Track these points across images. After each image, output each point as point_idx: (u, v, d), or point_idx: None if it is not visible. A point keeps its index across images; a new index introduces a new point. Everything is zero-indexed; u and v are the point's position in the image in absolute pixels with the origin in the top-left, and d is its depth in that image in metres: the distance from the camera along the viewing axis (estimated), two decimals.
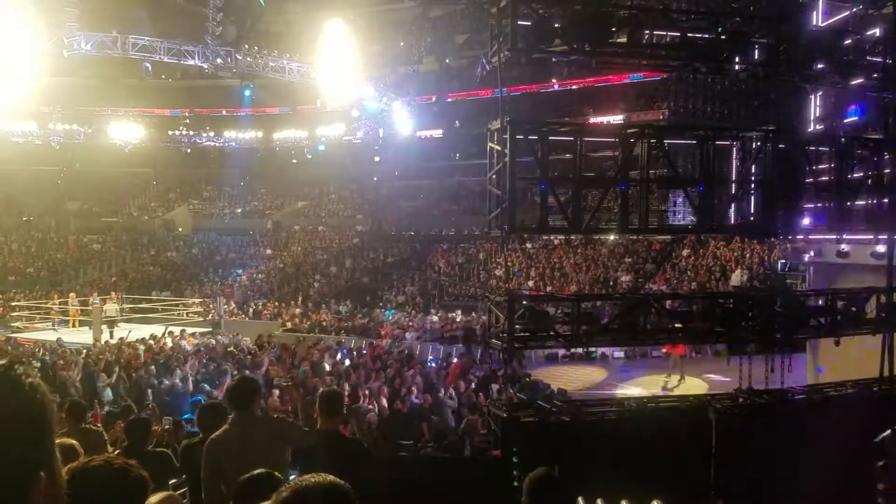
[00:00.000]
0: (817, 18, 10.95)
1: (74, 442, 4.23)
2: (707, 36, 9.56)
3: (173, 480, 6.09)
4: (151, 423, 6.92)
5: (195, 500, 5.16)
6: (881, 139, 10.54)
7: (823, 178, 10.30)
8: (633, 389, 17.92)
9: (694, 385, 17.51)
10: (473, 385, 15.42)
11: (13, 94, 25.30)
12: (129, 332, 22.62)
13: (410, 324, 25.45)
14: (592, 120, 36.18)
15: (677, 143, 10.30)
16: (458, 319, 25.95)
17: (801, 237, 13.36)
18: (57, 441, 3.86)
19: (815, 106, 11.70)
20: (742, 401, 9.42)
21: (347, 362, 17.24)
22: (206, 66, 29.53)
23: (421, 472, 9.02)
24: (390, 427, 11.83)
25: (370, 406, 12.40)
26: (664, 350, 18.22)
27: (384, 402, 13.02)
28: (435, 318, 26.53)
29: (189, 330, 24.10)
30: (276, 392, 12.29)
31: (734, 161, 10.25)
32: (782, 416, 9.33)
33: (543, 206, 9.11)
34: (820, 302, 10.41)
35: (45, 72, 27.14)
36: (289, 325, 26.79)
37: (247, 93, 38.71)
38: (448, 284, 33.17)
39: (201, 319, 28.35)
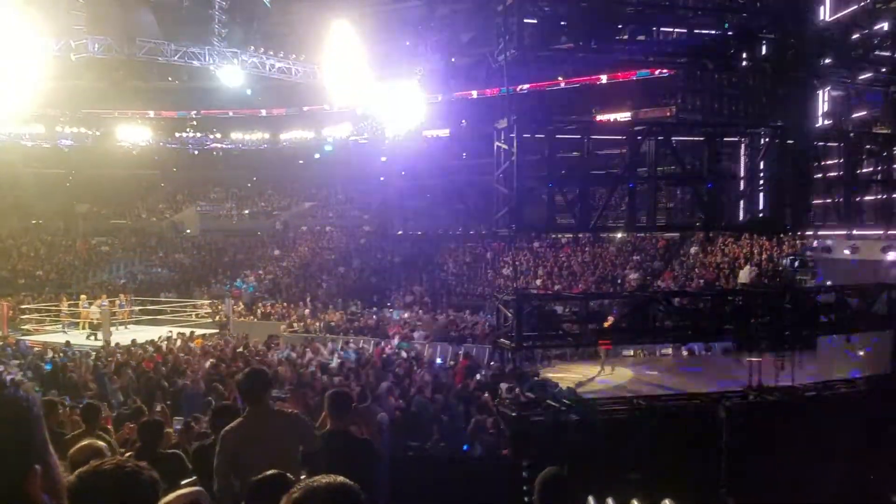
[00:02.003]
0: (824, 13, 10.90)
1: (102, 444, 4.22)
2: (714, 32, 9.53)
3: (185, 481, 6.11)
4: (164, 424, 6.93)
5: None
6: (890, 134, 10.49)
7: (832, 174, 10.27)
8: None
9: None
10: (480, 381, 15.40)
11: (24, 98, 25.37)
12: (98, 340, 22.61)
13: (419, 323, 25.43)
14: (599, 118, 36.04)
15: (685, 141, 10.28)
16: (466, 318, 25.91)
17: (811, 233, 13.31)
18: (86, 442, 3.89)
19: (823, 101, 11.64)
20: (753, 398, 9.39)
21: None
22: (212, 68, 29.63)
23: (431, 473, 9.03)
24: (400, 427, 11.82)
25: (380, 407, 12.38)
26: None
27: (393, 402, 13.01)
28: (440, 319, 26.46)
29: (198, 332, 24.17)
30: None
31: (743, 158, 10.23)
32: (793, 413, 9.30)
33: (551, 205, 9.11)
34: (830, 298, 10.36)
35: (52, 75, 27.25)
36: (295, 325, 26.79)
37: (248, 91, 38.46)
38: (456, 284, 33.15)
39: (210, 321, 28.42)
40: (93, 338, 24.45)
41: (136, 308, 29.45)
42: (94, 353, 18.40)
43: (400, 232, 41.20)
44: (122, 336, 23.50)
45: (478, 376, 16.45)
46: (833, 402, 9.66)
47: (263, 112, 44.48)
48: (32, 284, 36.05)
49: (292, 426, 4.87)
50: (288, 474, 3.17)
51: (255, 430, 4.68)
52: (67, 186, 46.03)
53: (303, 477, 3.27)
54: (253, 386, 4.87)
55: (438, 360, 19.46)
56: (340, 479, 1.78)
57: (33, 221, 43.69)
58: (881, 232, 11.25)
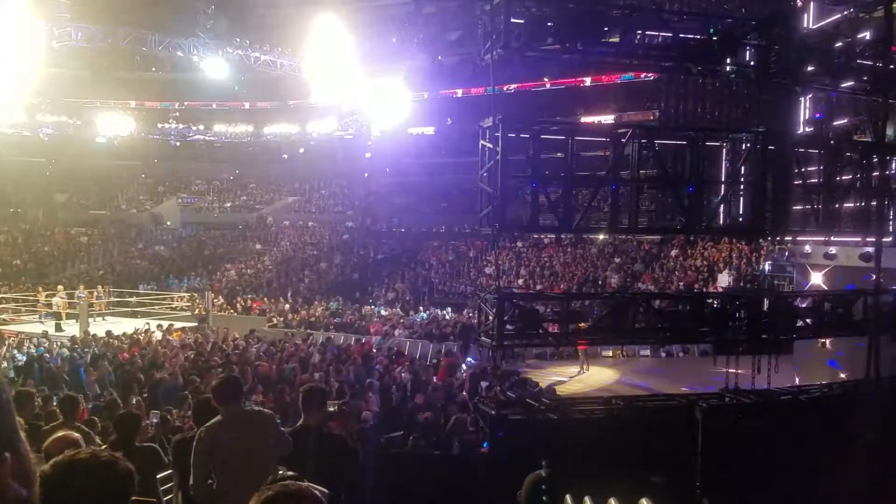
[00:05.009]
0: (808, 21, 10.99)
1: (78, 435, 4.20)
2: (699, 37, 9.59)
3: (161, 474, 6.08)
4: (141, 418, 6.89)
5: (186, 494, 5.16)
6: (870, 143, 10.62)
7: (812, 181, 10.37)
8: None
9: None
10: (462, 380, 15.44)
11: (13, 88, 25.00)
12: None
13: (401, 321, 25.40)
14: (584, 119, 36.20)
15: (668, 144, 10.34)
16: (447, 317, 25.93)
17: (790, 239, 13.44)
18: (61, 433, 3.84)
19: (805, 108, 11.75)
20: (728, 400, 9.47)
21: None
22: (197, 59, 29.38)
23: (409, 469, 9.03)
24: (379, 424, 11.81)
25: (361, 402, 12.37)
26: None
27: (372, 396, 13.00)
28: (424, 316, 26.46)
29: (177, 324, 23.95)
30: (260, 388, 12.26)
31: (724, 162, 10.30)
32: (768, 416, 9.39)
33: (534, 205, 9.13)
34: (808, 303, 10.47)
35: (34, 63, 26.87)
36: (275, 320, 26.64)
37: (235, 87, 38.21)
38: (438, 282, 33.15)
39: (189, 314, 28.15)
40: (58, 329, 23.94)
41: (115, 299, 29.13)
42: (69, 344, 18.19)
43: (383, 228, 41.12)
44: (100, 327, 23.23)
45: (462, 373, 16.52)
46: (808, 405, 9.77)
47: (247, 105, 44.23)
48: (10, 273, 35.58)
49: (267, 424, 4.94)
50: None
51: (233, 427, 4.76)
52: (47, 175, 45.50)
53: (280, 472, 3.27)
54: (226, 391, 4.96)
55: (419, 358, 19.46)
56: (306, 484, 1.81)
57: (11, 210, 43.13)
58: (859, 238, 11.39)
